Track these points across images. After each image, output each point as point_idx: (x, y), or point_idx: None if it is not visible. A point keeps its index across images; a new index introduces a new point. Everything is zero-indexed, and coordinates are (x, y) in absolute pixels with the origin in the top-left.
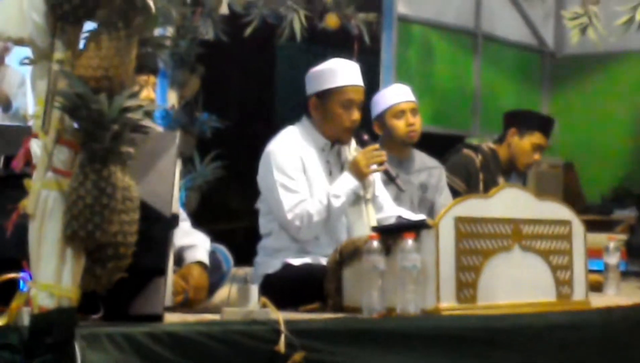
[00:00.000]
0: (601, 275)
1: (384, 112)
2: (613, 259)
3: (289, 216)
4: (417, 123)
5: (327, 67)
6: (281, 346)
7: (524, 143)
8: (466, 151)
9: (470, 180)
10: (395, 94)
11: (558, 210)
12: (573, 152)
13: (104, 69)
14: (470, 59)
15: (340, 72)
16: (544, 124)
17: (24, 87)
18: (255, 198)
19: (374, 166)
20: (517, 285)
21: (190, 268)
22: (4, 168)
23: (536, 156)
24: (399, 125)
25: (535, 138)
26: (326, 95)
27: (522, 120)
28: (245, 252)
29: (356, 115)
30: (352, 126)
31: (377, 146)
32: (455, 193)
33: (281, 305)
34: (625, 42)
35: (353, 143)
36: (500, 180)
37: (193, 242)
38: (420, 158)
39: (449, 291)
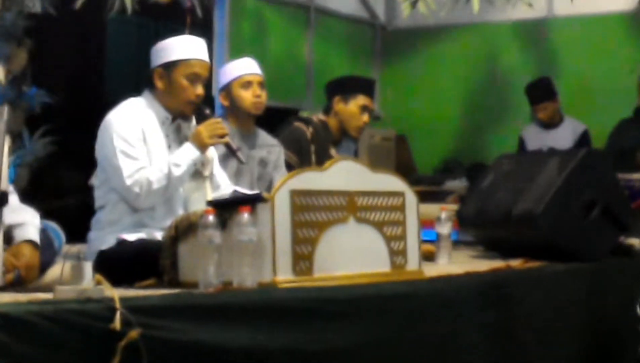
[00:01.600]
0: (434, 244)
1: (231, 83)
2: (445, 229)
3: (128, 182)
4: (263, 96)
5: (175, 39)
6: (116, 323)
7: (350, 107)
8: (297, 124)
9: (302, 153)
10: (243, 66)
11: (391, 182)
12: (405, 124)
13: None
14: (304, 32)
15: (188, 46)
16: (365, 86)
17: None
18: (86, 173)
19: (216, 138)
20: (352, 256)
21: (21, 246)
22: None
23: (364, 118)
24: (246, 96)
25: (360, 100)
26: (172, 66)
27: (343, 86)
28: (77, 229)
29: (200, 90)
30: (195, 100)
31: (219, 119)
32: (290, 167)
33: (116, 281)
34: (454, 16)
35: (193, 121)
36: (332, 151)
37: (23, 220)
38: (262, 135)
39: (286, 264)
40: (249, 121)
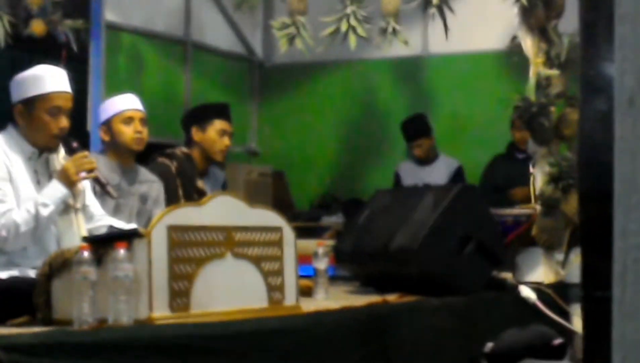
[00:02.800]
0: (311, 280)
1: (112, 118)
2: (322, 264)
3: None
4: (145, 132)
5: (32, 73)
6: None
7: (209, 133)
8: (161, 159)
9: (169, 188)
10: (125, 102)
11: (269, 217)
12: (282, 160)
13: None
14: (181, 68)
15: (46, 79)
16: (218, 110)
17: None
18: None
19: (84, 174)
20: (230, 292)
21: None
22: None
23: (225, 141)
24: (127, 131)
25: (217, 124)
26: (32, 102)
27: (197, 116)
28: None
29: (64, 122)
30: (59, 134)
31: (86, 153)
32: None
33: None
34: (331, 52)
35: (62, 151)
36: (199, 183)
37: None
38: (143, 171)
39: (162, 301)
40: (130, 157)
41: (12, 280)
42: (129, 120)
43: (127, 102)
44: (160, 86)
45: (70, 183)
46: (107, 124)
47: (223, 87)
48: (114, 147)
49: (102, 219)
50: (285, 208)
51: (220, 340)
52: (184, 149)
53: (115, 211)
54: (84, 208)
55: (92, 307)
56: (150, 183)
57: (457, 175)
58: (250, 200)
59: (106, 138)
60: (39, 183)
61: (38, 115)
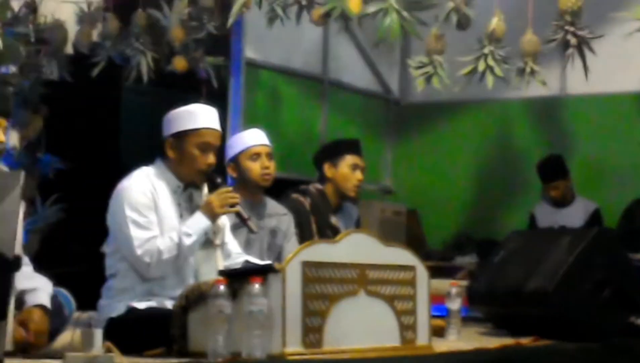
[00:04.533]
0: (443, 320)
1: (239, 154)
2: (455, 304)
3: (139, 252)
4: (272, 167)
5: (187, 109)
6: None
7: (341, 168)
8: (295, 196)
9: (303, 224)
10: (251, 137)
11: (403, 256)
12: (416, 198)
13: None
14: (318, 105)
15: (199, 115)
16: (350, 146)
17: None
18: (97, 240)
19: (227, 208)
20: (363, 330)
21: (31, 312)
22: None
23: (357, 176)
24: (254, 167)
25: (348, 160)
26: (183, 136)
27: (329, 152)
28: (88, 296)
29: (211, 159)
30: (206, 169)
31: (230, 188)
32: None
33: (126, 349)
34: (468, 91)
35: (206, 188)
36: (333, 219)
37: (34, 285)
38: (271, 204)
39: (295, 336)
40: (258, 192)
41: (149, 311)
42: (255, 156)
43: (253, 138)
44: (297, 123)
45: (213, 215)
46: (235, 161)
47: (359, 124)
48: (242, 183)
49: (239, 257)
50: (419, 246)
51: None
52: (318, 186)
53: (246, 246)
54: (223, 244)
55: (227, 341)
56: (279, 217)
57: (594, 218)
58: (384, 238)
59: (234, 174)
60: (182, 216)
61: (188, 149)
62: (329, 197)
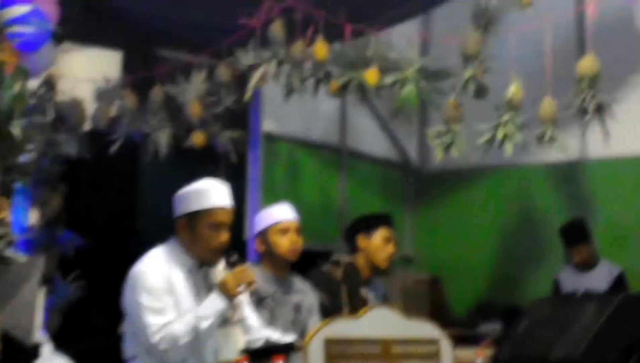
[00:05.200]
0: None
1: (268, 229)
2: None
3: (155, 339)
4: (300, 242)
5: (196, 188)
6: None
7: (374, 240)
8: (326, 266)
9: (334, 295)
10: (280, 212)
11: (426, 329)
12: (438, 266)
13: None
14: (336, 175)
15: (209, 194)
16: (383, 219)
17: None
18: (118, 316)
19: (243, 287)
20: None
21: None
22: None
23: (390, 248)
24: (283, 242)
25: (382, 232)
26: (195, 216)
27: (362, 225)
28: None
29: (225, 236)
30: (220, 248)
31: (246, 266)
32: (323, 308)
33: None
34: (487, 159)
35: (221, 264)
36: (363, 291)
37: None
38: (297, 279)
39: None
40: (285, 267)
41: None
42: (284, 231)
43: (282, 213)
44: (316, 194)
45: (229, 295)
46: (263, 235)
47: (378, 193)
48: (269, 257)
49: (260, 331)
50: (442, 314)
51: None
52: (347, 258)
53: (270, 321)
54: (242, 320)
55: None
56: (304, 293)
57: (619, 281)
58: (407, 307)
59: (262, 248)
60: (198, 295)
61: (200, 229)
62: (360, 269)
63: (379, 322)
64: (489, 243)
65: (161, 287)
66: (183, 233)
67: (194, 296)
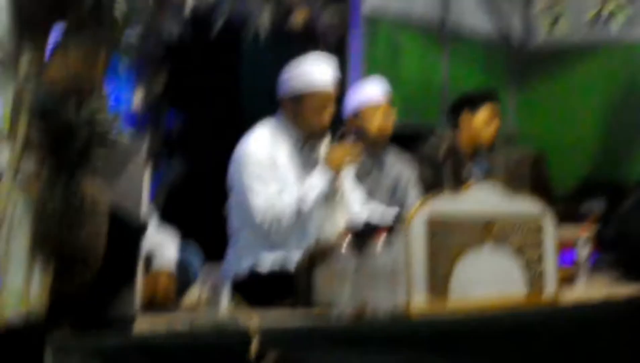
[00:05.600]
0: (572, 268)
1: (359, 107)
2: (583, 252)
3: (259, 219)
4: (392, 119)
5: (300, 68)
6: (253, 350)
7: (479, 117)
8: (429, 143)
9: (437, 171)
10: (371, 90)
11: (529, 205)
12: (541, 144)
13: (72, 74)
14: (438, 53)
15: (314, 74)
16: (488, 96)
17: None
18: (222, 194)
19: (347, 162)
20: (489, 282)
21: (159, 273)
22: None
23: (494, 125)
24: (374, 122)
25: (487, 109)
26: (299, 97)
27: (467, 102)
28: (214, 249)
29: (329, 115)
30: (324, 126)
31: (350, 141)
32: (425, 185)
33: (252, 305)
34: (592, 35)
35: (326, 141)
36: (466, 168)
37: (162, 243)
38: (393, 154)
39: (420, 290)
40: (378, 144)
41: (274, 268)
42: (375, 108)
43: (372, 90)
44: (417, 73)
45: (334, 170)
46: (354, 114)
47: (481, 71)
48: (362, 135)
49: (362, 209)
50: (545, 192)
51: (479, 331)
52: (451, 135)
53: (369, 199)
54: (345, 198)
55: (352, 296)
56: (401, 168)
57: None
58: (510, 185)
59: (353, 127)
60: (302, 172)
61: (305, 109)
62: (463, 146)
63: (482, 198)
64: (594, 121)
65: (266, 165)
66: (287, 112)
67: (299, 173)
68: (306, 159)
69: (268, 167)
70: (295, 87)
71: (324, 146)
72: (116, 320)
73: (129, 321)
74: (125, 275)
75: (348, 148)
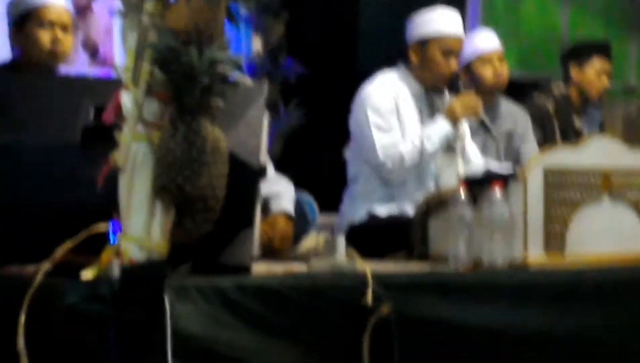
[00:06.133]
0: None
1: (471, 59)
2: None
3: (381, 157)
4: (505, 71)
5: (431, 15)
6: (368, 299)
7: (587, 72)
8: (538, 97)
9: (546, 128)
10: (483, 42)
11: None
12: None
13: (194, 21)
14: (558, 3)
15: (444, 21)
16: (599, 49)
17: (111, 34)
18: (339, 144)
19: (469, 112)
20: (606, 237)
21: (276, 217)
22: (94, 119)
23: (603, 81)
24: (487, 73)
25: (595, 63)
26: (428, 42)
27: (576, 53)
28: (329, 200)
29: (454, 65)
30: (449, 75)
31: (473, 93)
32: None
33: (366, 254)
34: None
35: (446, 93)
36: (577, 123)
37: (278, 191)
38: (507, 106)
39: (537, 243)
40: (492, 96)
41: (390, 216)
42: (487, 60)
43: (485, 42)
44: (537, 22)
45: (455, 120)
46: (466, 66)
47: (602, 21)
48: (475, 87)
49: (479, 161)
50: None
51: (596, 286)
52: (562, 87)
53: (483, 151)
54: (463, 150)
55: (468, 247)
56: (515, 118)
57: None
58: (628, 138)
59: (466, 79)
60: (423, 121)
61: (432, 55)
62: (573, 100)
63: (600, 151)
64: None
65: (389, 108)
66: (414, 58)
67: (419, 122)
68: (428, 108)
69: (390, 112)
70: (423, 32)
71: (445, 99)
72: (234, 264)
73: (247, 265)
74: (244, 219)
75: (470, 99)
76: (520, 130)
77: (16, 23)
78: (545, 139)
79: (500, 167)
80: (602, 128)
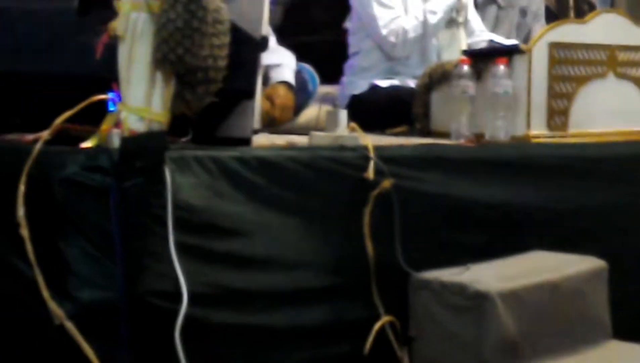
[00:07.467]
0: None
1: None
2: None
3: (384, 31)
4: None
5: None
6: (370, 172)
7: None
8: None
9: (561, 1)
10: None
11: None
12: None
13: None
14: None
15: None
16: None
17: None
18: (340, 12)
19: None
20: (610, 113)
21: (276, 87)
22: None
23: None
24: None
25: None
26: None
27: None
28: (329, 68)
29: None
30: None
31: None
32: (550, 13)
33: (368, 127)
34: None
35: None
36: None
37: (279, 61)
38: None
39: (540, 119)
40: None
41: (392, 89)
42: None
43: None
44: None
45: None
46: None
47: None
48: None
49: (482, 35)
50: None
51: (597, 161)
52: None
53: (495, 25)
54: (466, 22)
55: (470, 122)
56: None
57: None
58: (635, 15)
59: None
60: None
61: None
62: None
63: (606, 27)
64: None
65: None
66: None
67: None
68: None
69: None
70: None
71: None
72: (235, 136)
73: (248, 136)
74: (245, 91)
75: None
76: (534, 8)
77: None
78: (559, 12)
79: (507, 41)
80: (612, 4)
